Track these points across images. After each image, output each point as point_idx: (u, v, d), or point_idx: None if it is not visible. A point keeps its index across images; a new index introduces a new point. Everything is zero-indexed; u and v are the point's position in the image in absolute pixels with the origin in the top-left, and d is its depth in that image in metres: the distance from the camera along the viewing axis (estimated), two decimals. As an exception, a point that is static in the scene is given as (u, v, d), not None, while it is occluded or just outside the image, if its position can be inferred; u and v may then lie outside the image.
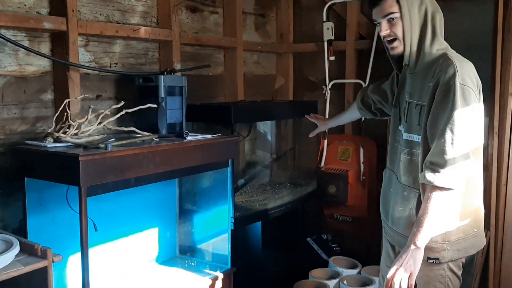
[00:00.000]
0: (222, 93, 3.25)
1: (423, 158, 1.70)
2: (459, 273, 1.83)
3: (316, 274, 2.96)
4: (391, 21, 1.73)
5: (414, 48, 1.73)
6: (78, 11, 2.32)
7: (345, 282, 2.83)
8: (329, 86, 3.52)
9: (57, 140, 2.02)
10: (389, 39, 1.76)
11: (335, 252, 3.27)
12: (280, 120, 3.52)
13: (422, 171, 1.67)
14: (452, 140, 1.59)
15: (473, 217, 1.82)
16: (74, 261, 2.17)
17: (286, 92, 3.76)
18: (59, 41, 2.25)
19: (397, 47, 1.76)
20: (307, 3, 3.72)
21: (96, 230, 2.03)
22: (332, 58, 3.47)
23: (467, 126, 1.61)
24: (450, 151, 1.59)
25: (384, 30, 1.74)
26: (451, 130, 1.59)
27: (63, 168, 1.85)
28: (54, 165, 1.89)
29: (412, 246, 1.67)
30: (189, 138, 2.29)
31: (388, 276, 1.69)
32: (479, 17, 2.96)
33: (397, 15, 1.71)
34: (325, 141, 3.48)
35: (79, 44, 2.33)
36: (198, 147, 2.28)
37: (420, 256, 1.68)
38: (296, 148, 3.64)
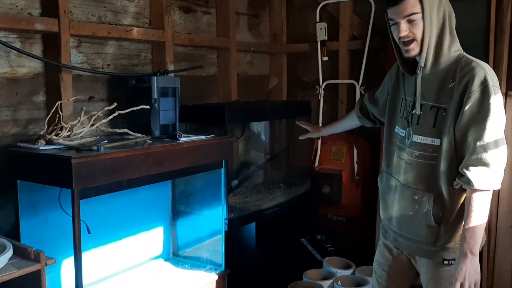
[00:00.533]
0: (215, 93, 3.24)
1: (450, 162, 1.68)
2: None
3: (310, 274, 2.96)
4: (411, 22, 1.66)
5: (432, 50, 1.69)
6: (70, 12, 2.30)
7: (339, 282, 2.83)
8: (323, 87, 3.53)
9: (49, 142, 2.00)
10: (407, 40, 1.68)
11: (329, 252, 3.27)
12: (274, 121, 3.51)
13: (461, 175, 1.65)
14: (496, 142, 1.60)
15: None
16: (67, 264, 2.16)
17: (279, 92, 3.76)
18: (51, 42, 2.23)
19: (414, 49, 1.70)
20: (300, 4, 3.72)
21: (89, 232, 2.02)
22: (325, 58, 3.47)
23: (502, 126, 1.64)
24: (495, 153, 1.60)
25: (403, 30, 1.67)
26: (494, 132, 1.61)
27: (55, 171, 1.84)
28: (47, 167, 1.88)
29: (470, 256, 1.64)
30: (182, 139, 2.29)
31: None
32: (472, 16, 2.97)
33: (419, 15, 1.65)
34: (319, 141, 3.48)
35: (71, 45, 2.31)
36: (191, 148, 2.27)
37: (478, 263, 1.65)
38: (290, 148, 3.64)
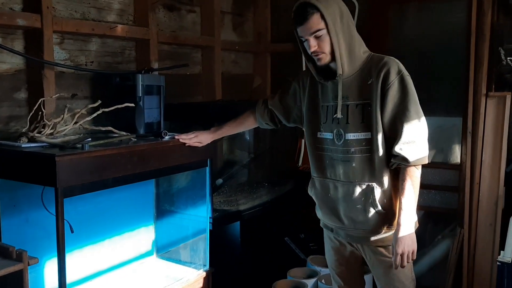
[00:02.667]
0: (199, 92, 3.23)
1: (382, 149, 1.82)
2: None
3: (295, 273, 2.97)
4: (318, 37, 1.80)
5: (345, 57, 1.82)
6: (53, 7, 2.27)
7: (323, 281, 2.85)
8: (307, 86, 3.53)
9: (31, 140, 1.97)
10: (317, 53, 1.82)
11: (313, 250, 3.28)
12: (258, 120, 3.51)
13: (395, 156, 1.80)
14: (418, 121, 1.79)
15: None
16: (50, 264, 2.13)
17: (263, 91, 3.76)
18: (33, 38, 2.20)
19: (324, 58, 1.83)
20: (285, 3, 3.72)
21: (72, 232, 1.99)
22: (309, 58, 3.48)
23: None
24: (420, 131, 1.79)
25: (313, 46, 1.80)
26: (416, 113, 1.79)
27: (38, 169, 1.81)
28: (29, 165, 1.84)
29: (406, 227, 1.78)
30: (167, 137, 2.27)
31: (395, 263, 1.81)
32: (454, 18, 3.03)
33: (324, 31, 1.79)
34: (303, 141, 3.49)
35: (54, 42, 2.28)
36: (176, 146, 2.26)
37: (413, 234, 1.81)
38: (273, 148, 3.64)
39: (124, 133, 2.24)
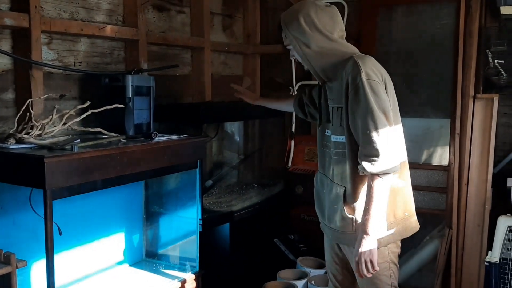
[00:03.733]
0: (189, 93, 3.22)
1: (351, 154, 1.81)
2: (397, 261, 1.95)
3: (284, 274, 2.97)
4: (290, 50, 1.95)
5: (318, 68, 1.89)
6: (41, 7, 2.24)
7: (313, 282, 2.85)
8: (296, 87, 3.54)
9: (19, 141, 1.94)
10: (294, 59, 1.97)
11: (302, 252, 3.29)
12: (247, 121, 3.51)
13: (359, 164, 1.75)
14: (376, 129, 1.70)
15: (402, 200, 1.92)
16: (37, 266, 2.10)
17: (253, 92, 3.75)
18: (21, 38, 2.16)
19: (305, 65, 1.95)
20: (274, 4, 3.73)
21: (60, 234, 1.97)
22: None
23: (384, 114, 1.73)
24: (378, 140, 1.70)
25: (291, 56, 1.98)
26: (372, 121, 1.71)
27: (27, 170, 1.78)
28: (17, 167, 1.82)
29: (365, 236, 1.76)
30: (157, 139, 2.26)
31: (356, 272, 1.82)
32: (442, 20, 3.05)
33: (291, 46, 1.92)
34: (292, 142, 3.50)
35: (42, 42, 2.25)
36: (166, 148, 2.25)
37: (373, 243, 1.77)
38: (263, 149, 3.64)
39: (114, 134, 2.22)
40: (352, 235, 1.87)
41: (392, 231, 1.88)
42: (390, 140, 1.73)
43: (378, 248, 1.80)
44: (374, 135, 1.71)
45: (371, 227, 1.75)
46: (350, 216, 1.87)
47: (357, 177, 1.82)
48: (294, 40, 1.88)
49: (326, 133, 2.00)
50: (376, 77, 1.75)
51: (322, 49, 1.86)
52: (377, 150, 1.70)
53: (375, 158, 1.70)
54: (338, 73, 1.85)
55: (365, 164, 1.72)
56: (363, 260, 1.76)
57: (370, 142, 1.71)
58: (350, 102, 1.76)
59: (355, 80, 1.74)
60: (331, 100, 1.93)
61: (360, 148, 1.76)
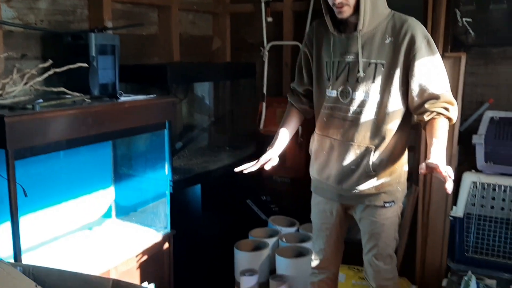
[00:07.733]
0: (156, 53, 3.14)
1: (391, 113, 1.83)
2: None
3: (256, 233, 3.01)
4: None
5: (368, 13, 1.79)
6: (-3, -39, 2.14)
7: (283, 239, 2.90)
8: (267, 48, 3.50)
9: (-22, 101, 1.88)
10: (341, 5, 1.78)
11: (274, 212, 3.33)
12: (218, 83, 3.47)
13: (426, 111, 1.80)
14: (447, 81, 1.84)
15: (406, 166, 2.02)
16: (2, 230, 2.07)
17: (223, 54, 3.70)
18: (-24, -6, 2.07)
19: (346, 11, 1.80)
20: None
21: (26, 195, 1.93)
22: (269, 19, 3.44)
23: None
24: (449, 91, 1.83)
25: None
26: (444, 74, 1.83)
27: (-14, 131, 1.73)
28: (-24, 127, 1.76)
29: (440, 157, 1.68)
30: (122, 98, 2.22)
31: (445, 173, 1.64)
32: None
33: None
34: (264, 104, 3.48)
35: (1, 0, 2.15)
36: (132, 108, 2.21)
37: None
38: (234, 111, 3.62)
39: (78, 94, 2.17)
40: (372, 194, 1.92)
41: (405, 189, 2.01)
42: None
43: (397, 204, 1.97)
44: (446, 86, 1.83)
45: (444, 152, 1.73)
46: (374, 173, 1.89)
47: (391, 136, 1.86)
48: None
49: (324, 92, 1.94)
50: None
51: None
52: (453, 99, 1.83)
53: (455, 106, 1.82)
54: (379, 25, 1.82)
55: (451, 114, 1.80)
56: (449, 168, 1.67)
57: (448, 91, 1.82)
58: (423, 61, 1.78)
59: (426, 37, 1.80)
60: (361, 54, 1.84)
61: (439, 101, 1.79)
